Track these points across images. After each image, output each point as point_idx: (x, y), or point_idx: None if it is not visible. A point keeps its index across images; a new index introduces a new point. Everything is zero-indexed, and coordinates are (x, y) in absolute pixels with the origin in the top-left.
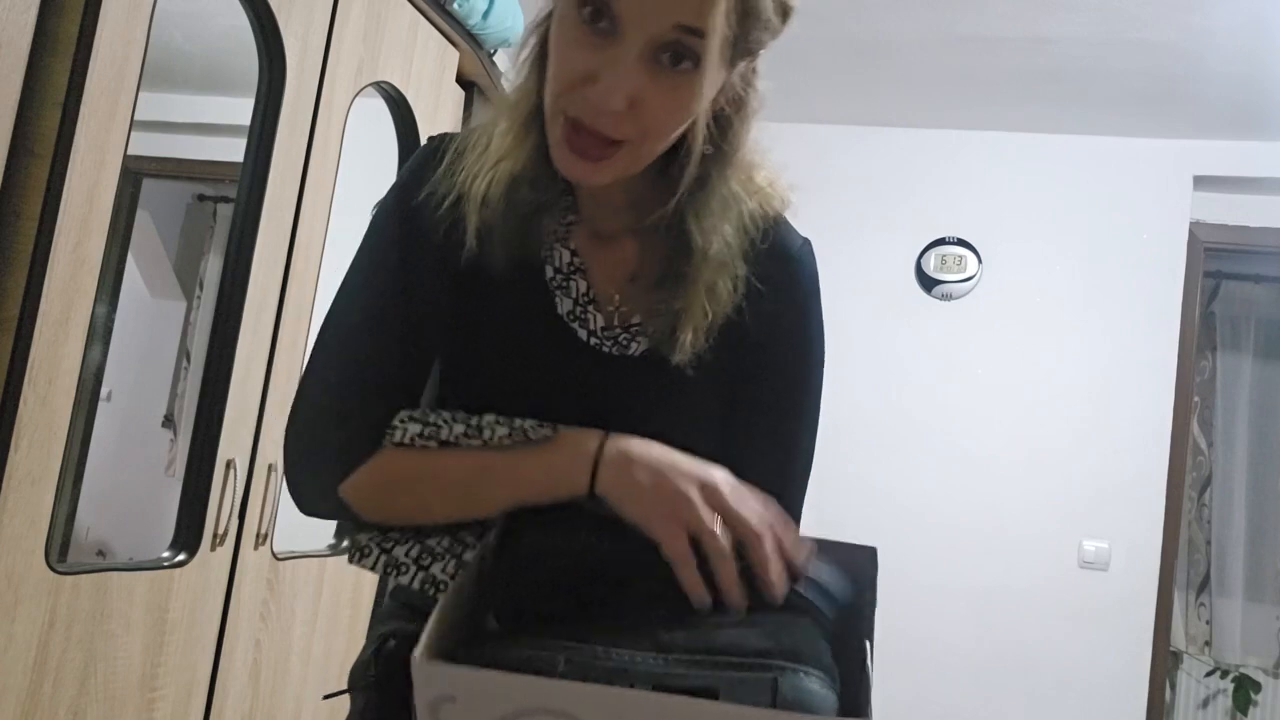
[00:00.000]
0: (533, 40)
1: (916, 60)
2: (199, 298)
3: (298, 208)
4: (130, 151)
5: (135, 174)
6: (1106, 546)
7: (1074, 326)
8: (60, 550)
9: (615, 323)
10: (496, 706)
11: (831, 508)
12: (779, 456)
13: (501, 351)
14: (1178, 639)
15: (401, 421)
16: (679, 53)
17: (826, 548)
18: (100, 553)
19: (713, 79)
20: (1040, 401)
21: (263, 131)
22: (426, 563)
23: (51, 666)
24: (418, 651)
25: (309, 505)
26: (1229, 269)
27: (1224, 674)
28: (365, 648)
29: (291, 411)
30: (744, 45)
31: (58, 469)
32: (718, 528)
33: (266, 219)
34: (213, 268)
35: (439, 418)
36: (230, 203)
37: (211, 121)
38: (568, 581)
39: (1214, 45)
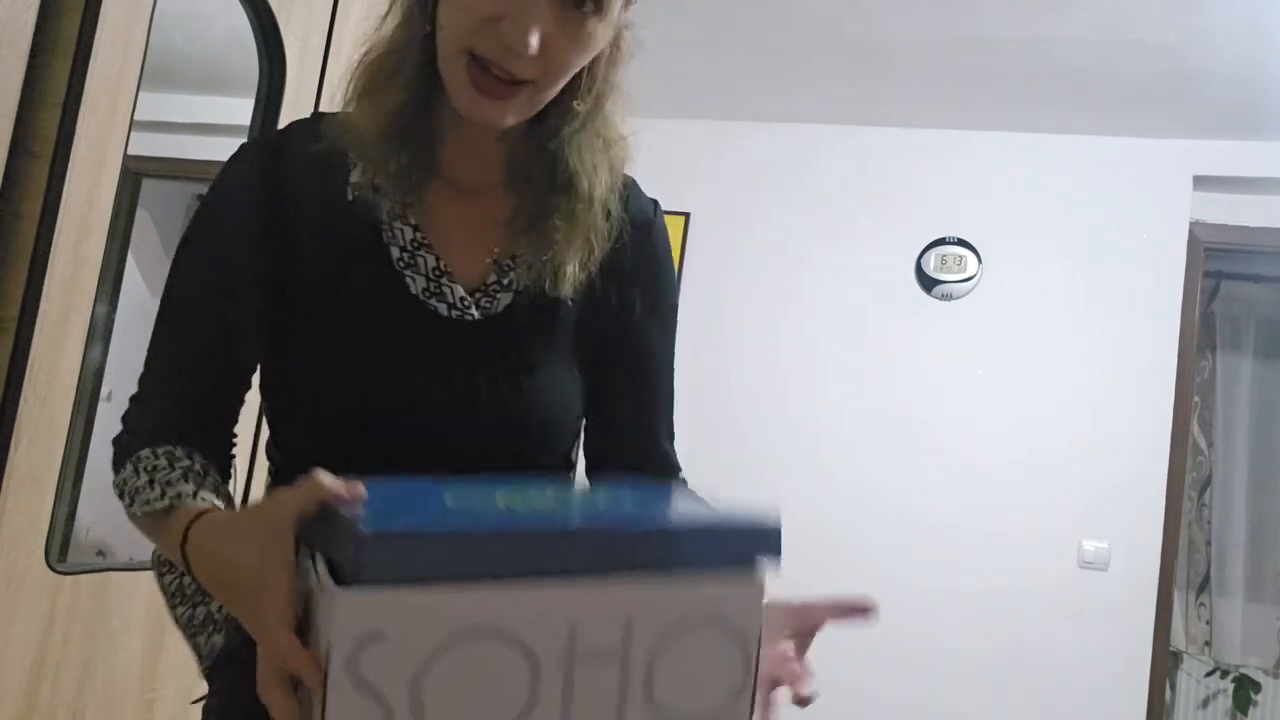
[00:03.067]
0: None
1: (916, 60)
2: None
3: None
4: (130, 151)
5: (135, 174)
6: (1106, 547)
7: (1074, 326)
8: (60, 550)
9: (479, 283)
10: (431, 634)
11: (831, 507)
12: (649, 394)
13: (360, 348)
14: (1178, 639)
15: (133, 467)
16: None
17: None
18: (100, 553)
19: (610, 21)
20: (1040, 401)
21: (263, 132)
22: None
23: (51, 666)
24: (329, 582)
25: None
26: (1229, 269)
27: (1224, 674)
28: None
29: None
30: None
31: (58, 469)
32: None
33: None
34: None
35: (142, 474)
36: None
37: (211, 121)
38: None
39: (1214, 45)
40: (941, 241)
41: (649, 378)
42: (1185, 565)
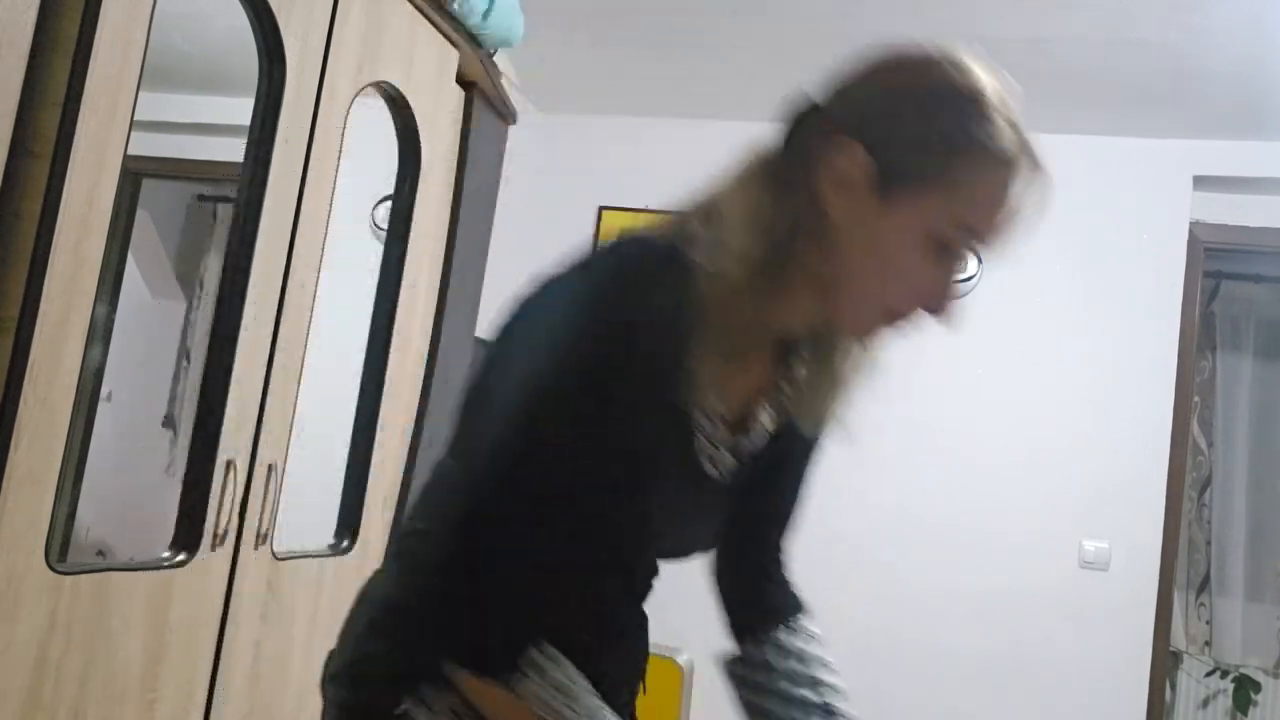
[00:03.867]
0: (799, 209)
1: None
2: (199, 298)
3: (298, 208)
4: (130, 151)
5: (135, 174)
6: (1107, 547)
7: (1074, 326)
8: (60, 550)
9: (738, 445)
10: None
11: (832, 509)
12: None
13: (650, 486)
14: (1178, 639)
15: (532, 667)
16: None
17: None
18: (100, 553)
19: None
20: (1040, 401)
21: (263, 132)
22: None
23: (51, 667)
24: None
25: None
26: (1229, 269)
27: (1224, 674)
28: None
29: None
30: None
31: (58, 469)
32: None
33: (266, 219)
34: (213, 268)
35: (566, 695)
36: (230, 203)
37: (211, 121)
38: None
39: (1214, 45)
40: None
41: (793, 505)
42: (1185, 565)
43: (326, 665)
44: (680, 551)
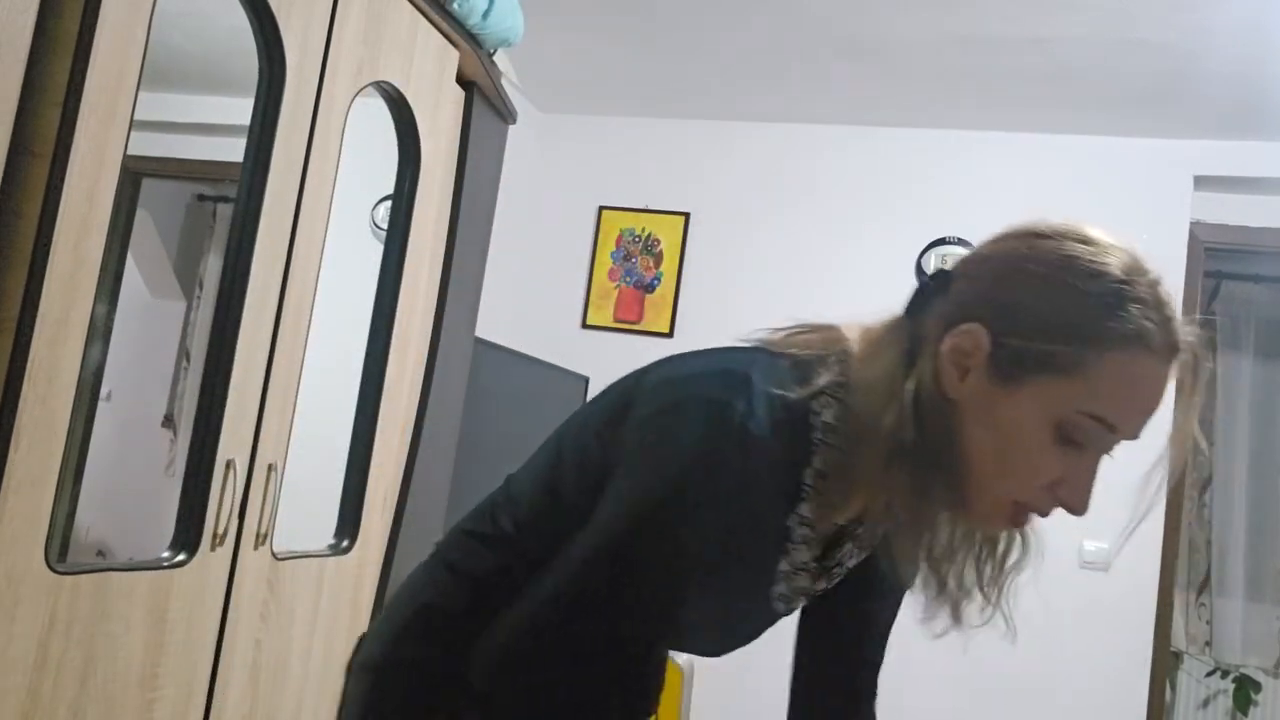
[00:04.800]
0: (898, 360)
1: (916, 60)
2: (199, 297)
3: (297, 208)
4: (130, 151)
5: (135, 174)
6: (1107, 547)
7: None
8: (60, 550)
9: (808, 592)
10: None
11: None
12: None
13: (703, 598)
14: (1178, 639)
15: None
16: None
17: None
18: (100, 553)
19: None
20: None
21: (263, 131)
22: None
23: (51, 667)
24: None
25: None
26: (1229, 269)
27: (1224, 674)
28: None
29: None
30: None
31: (57, 469)
32: None
33: (266, 219)
34: (212, 267)
35: None
36: (230, 203)
37: (211, 121)
38: None
39: (1214, 45)
40: (941, 241)
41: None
42: (1185, 565)
43: (358, 648)
44: (711, 652)
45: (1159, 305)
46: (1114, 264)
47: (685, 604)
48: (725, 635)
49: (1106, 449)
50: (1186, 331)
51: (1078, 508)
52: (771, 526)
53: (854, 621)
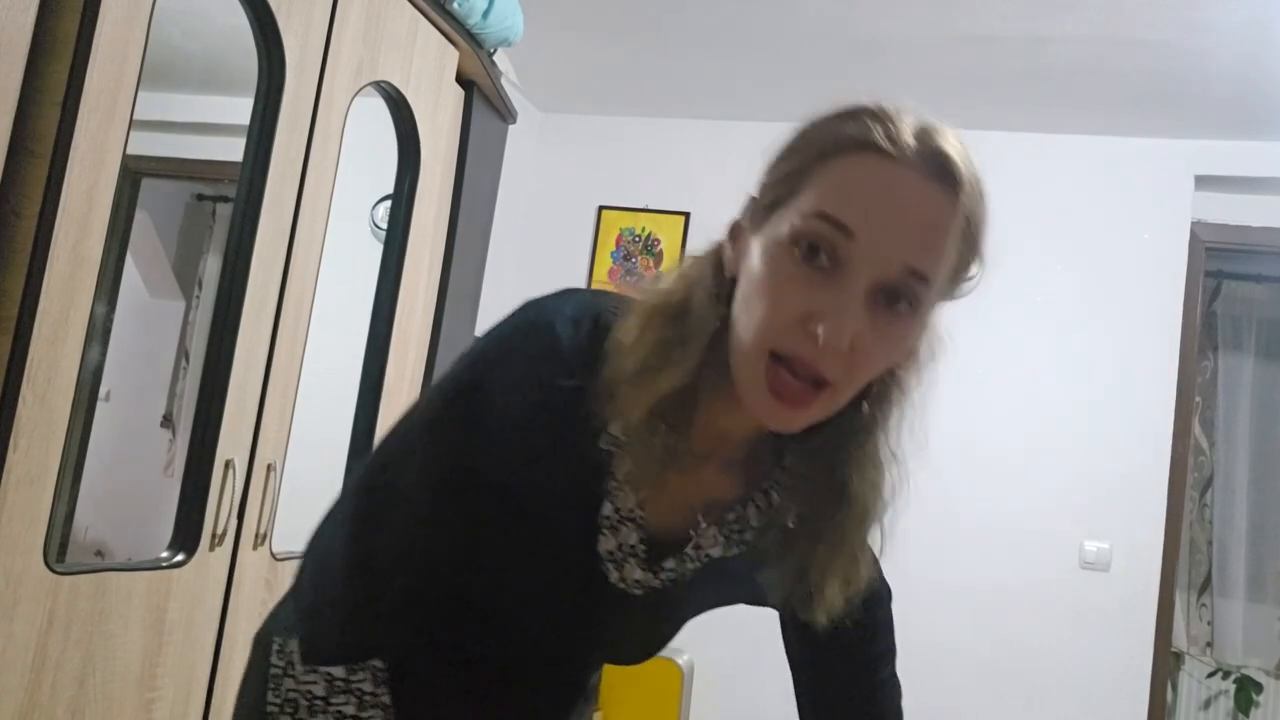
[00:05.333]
0: (696, 263)
1: (916, 59)
2: (198, 297)
3: (297, 207)
4: (130, 151)
5: (135, 174)
6: (1108, 547)
7: (1074, 326)
8: (59, 550)
9: (661, 561)
10: None
11: None
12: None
13: (522, 568)
14: (1179, 640)
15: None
16: (897, 295)
17: None
18: (99, 553)
19: (922, 321)
20: (1041, 401)
21: (262, 131)
22: None
23: (50, 667)
24: None
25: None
26: (1230, 269)
27: (1225, 675)
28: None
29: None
30: (947, 293)
31: (56, 469)
32: None
33: (266, 219)
34: (212, 267)
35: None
36: (229, 202)
37: (211, 121)
38: None
39: (1215, 44)
40: None
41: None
42: (1187, 566)
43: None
44: (559, 646)
45: (889, 114)
46: (842, 104)
47: (487, 520)
48: (551, 599)
49: (859, 271)
50: (924, 133)
51: (833, 337)
52: (577, 448)
53: (857, 674)
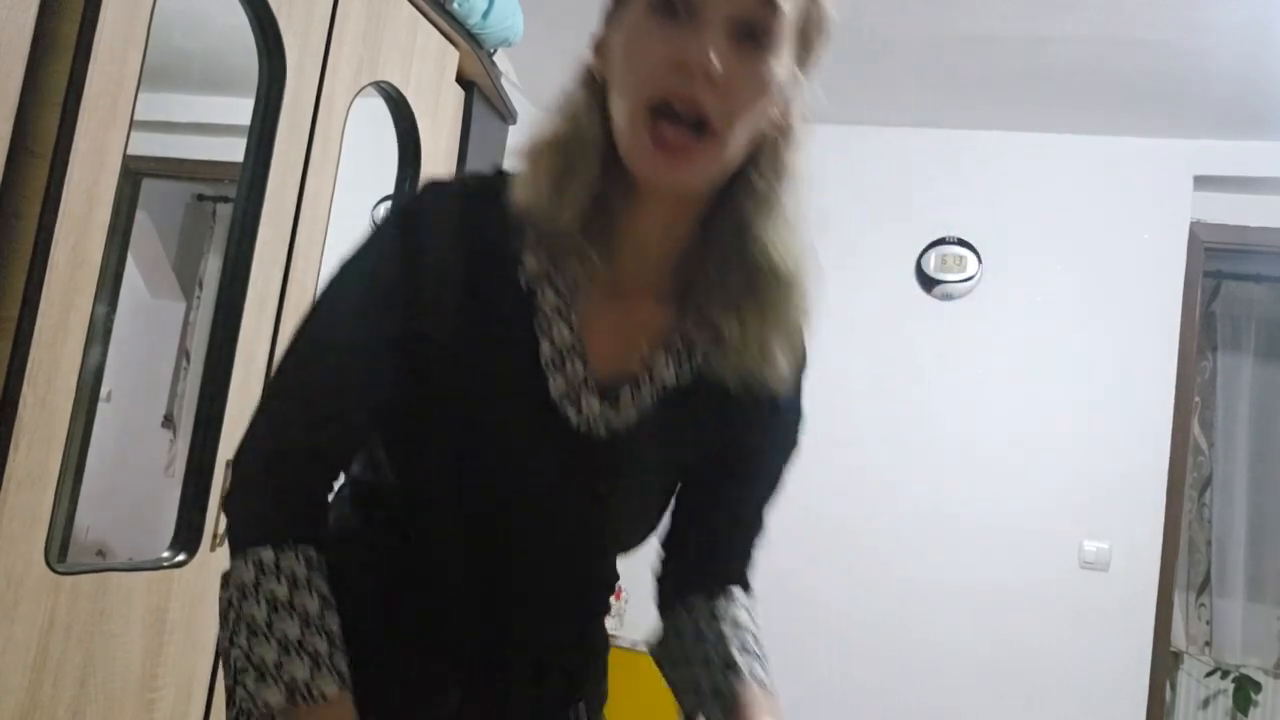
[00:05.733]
0: (569, 91)
1: (916, 60)
2: (198, 298)
3: (298, 208)
4: (130, 151)
5: (135, 174)
6: (1107, 547)
7: (1074, 326)
8: (60, 550)
9: (616, 393)
10: None
11: (832, 508)
12: (754, 528)
13: (487, 437)
14: (1178, 639)
15: (256, 565)
16: (753, 28)
17: None
18: (100, 553)
19: (785, 64)
20: (1040, 402)
21: (262, 131)
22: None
23: (51, 667)
24: None
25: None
26: (1229, 269)
27: (1224, 674)
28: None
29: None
30: (804, 41)
31: (57, 469)
32: None
33: (266, 219)
34: (212, 268)
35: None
36: (230, 203)
37: (211, 121)
38: None
39: (1215, 44)
40: (941, 241)
41: (754, 508)
42: (1186, 565)
43: None
44: (536, 506)
45: None
46: None
47: (427, 376)
48: (525, 460)
49: (714, 8)
50: None
51: (701, 57)
52: (498, 287)
53: (720, 509)
